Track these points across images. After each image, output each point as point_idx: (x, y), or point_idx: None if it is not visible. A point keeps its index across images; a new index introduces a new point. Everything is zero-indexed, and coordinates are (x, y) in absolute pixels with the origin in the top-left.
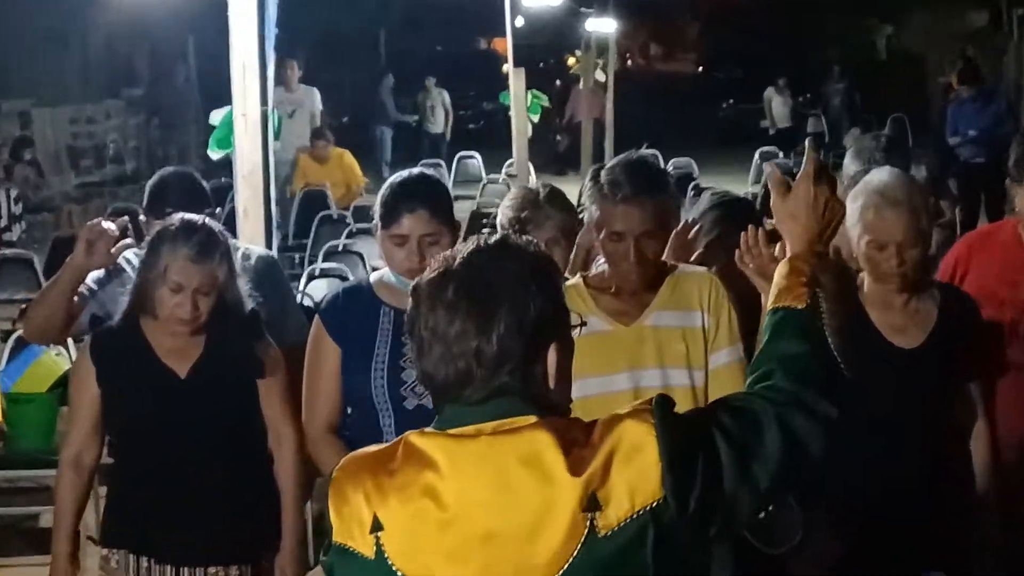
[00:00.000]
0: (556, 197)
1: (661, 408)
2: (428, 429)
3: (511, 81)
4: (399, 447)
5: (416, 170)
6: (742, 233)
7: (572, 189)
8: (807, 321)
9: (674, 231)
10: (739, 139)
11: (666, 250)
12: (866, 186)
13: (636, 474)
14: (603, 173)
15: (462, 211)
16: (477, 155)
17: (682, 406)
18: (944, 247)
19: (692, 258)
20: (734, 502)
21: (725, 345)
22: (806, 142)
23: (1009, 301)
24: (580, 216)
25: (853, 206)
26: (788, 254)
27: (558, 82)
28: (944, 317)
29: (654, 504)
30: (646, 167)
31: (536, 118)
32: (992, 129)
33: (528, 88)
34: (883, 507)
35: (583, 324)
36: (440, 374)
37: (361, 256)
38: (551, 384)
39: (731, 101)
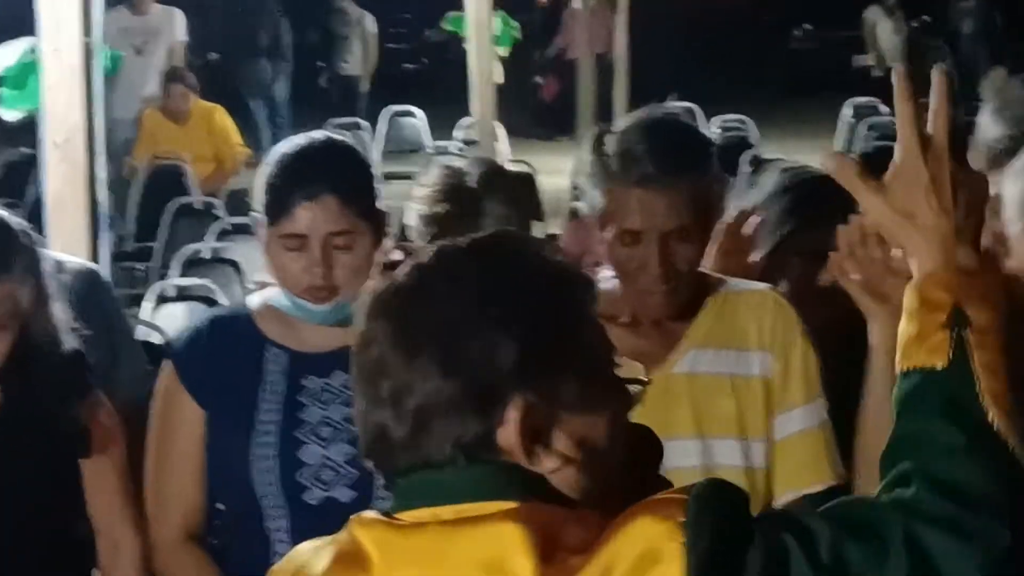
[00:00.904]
0: (496, 182)
1: (701, 501)
2: (373, 514)
3: None
4: (339, 540)
5: (319, 134)
6: (839, 228)
7: (563, 162)
8: (955, 390)
9: (719, 227)
10: (821, 85)
11: (707, 256)
12: None
13: None
14: (610, 140)
15: (397, 197)
16: (418, 111)
17: None
18: None
19: (748, 269)
20: None
21: (799, 403)
22: (932, 70)
23: None
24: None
25: (1015, 189)
26: (914, 275)
27: None
28: None
29: None
30: (677, 131)
31: (506, 52)
32: None
33: (495, 7)
34: None
35: (646, 382)
36: (390, 429)
37: (237, 266)
38: (517, 460)
39: (808, 26)
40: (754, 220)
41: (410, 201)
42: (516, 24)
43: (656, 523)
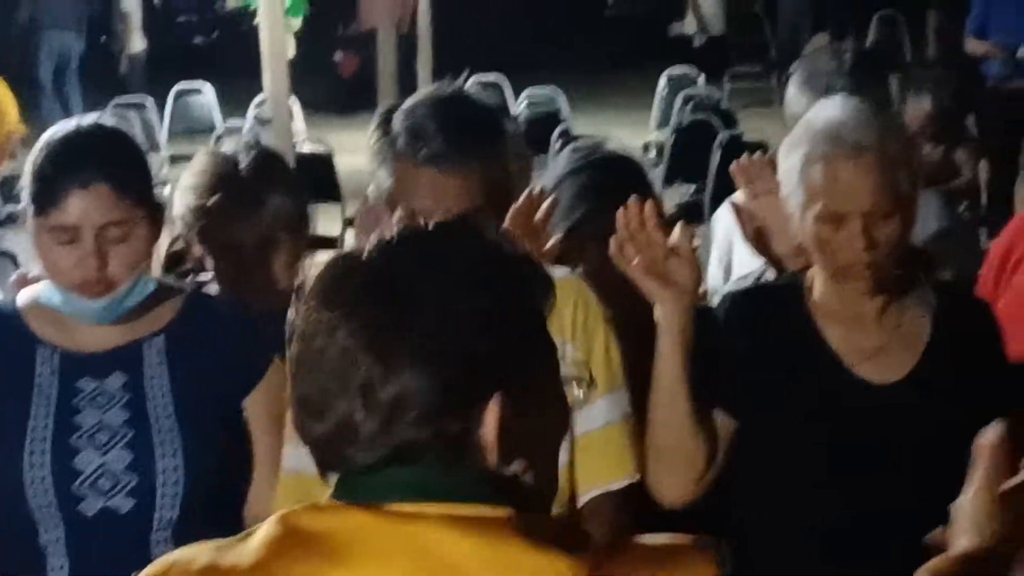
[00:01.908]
0: (270, 167)
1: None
2: (333, 501)
3: None
4: (269, 533)
5: (88, 119)
6: (734, 163)
7: (364, 140)
8: None
9: (512, 208)
10: (638, 55)
11: None
12: (808, 128)
13: None
14: (399, 117)
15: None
16: (207, 87)
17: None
18: (962, 229)
19: (543, 254)
20: None
21: (602, 392)
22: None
23: None
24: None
25: (789, 162)
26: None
27: None
28: (941, 334)
29: None
30: (467, 107)
31: (298, 23)
32: None
33: None
34: None
35: (589, 383)
36: (314, 422)
37: (14, 259)
38: (489, 459)
39: None
40: (546, 204)
41: (179, 189)
42: None
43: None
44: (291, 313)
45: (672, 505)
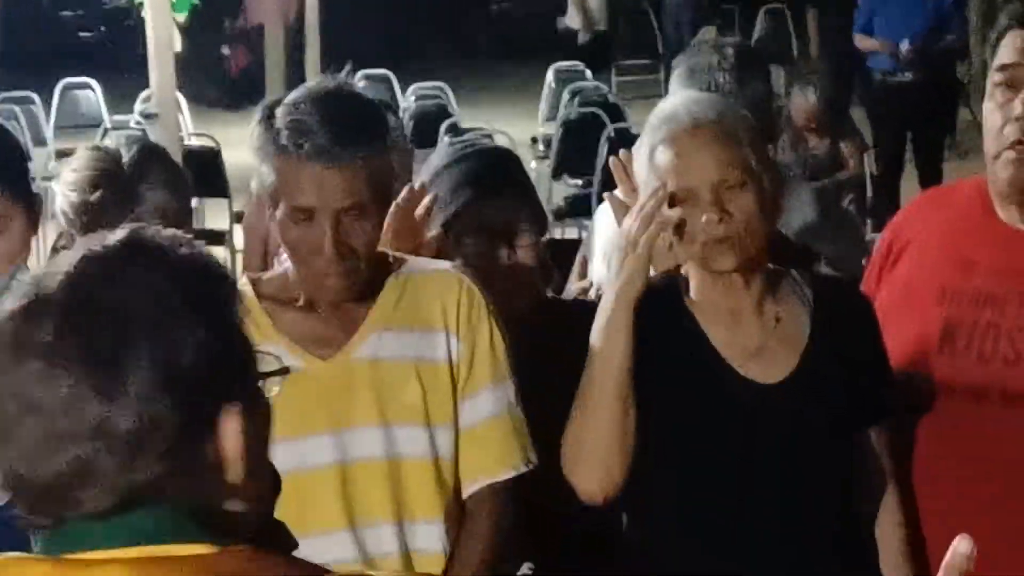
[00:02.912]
0: (152, 163)
1: None
2: (21, 554)
3: None
4: None
5: None
6: (612, 158)
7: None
8: None
9: (393, 205)
10: (526, 49)
11: (383, 235)
12: (650, 122)
13: None
14: (282, 112)
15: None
16: (93, 83)
17: (418, 486)
18: (844, 221)
19: (423, 249)
20: None
21: (486, 384)
22: None
23: (955, 292)
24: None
25: (640, 160)
26: None
27: None
28: (820, 330)
29: None
30: (351, 102)
31: (182, 18)
32: (928, 32)
33: None
34: None
35: (283, 372)
36: (40, 469)
37: None
38: (232, 476)
39: None
40: (426, 199)
41: (61, 184)
42: None
43: None
44: None
45: (592, 499)
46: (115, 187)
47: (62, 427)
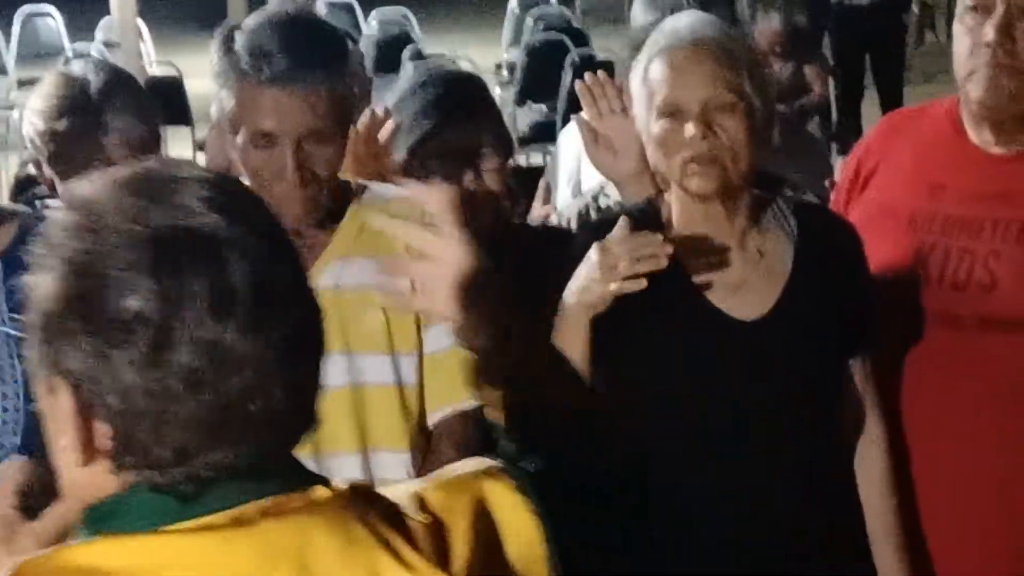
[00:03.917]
0: (120, 89)
1: (516, 471)
2: (82, 540)
3: None
4: None
5: None
6: (578, 82)
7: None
8: None
9: (353, 130)
10: None
11: (345, 160)
12: (652, 37)
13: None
14: (240, 36)
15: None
16: (53, 11)
17: (382, 414)
18: (808, 145)
19: (386, 174)
20: None
21: None
22: None
23: (925, 218)
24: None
25: (636, 73)
26: None
27: None
28: (805, 261)
29: None
30: (311, 27)
31: None
32: None
33: None
34: (722, 563)
35: None
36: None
37: None
38: None
39: None
40: (389, 124)
41: (28, 111)
42: None
43: (501, 487)
44: None
45: None
46: (82, 114)
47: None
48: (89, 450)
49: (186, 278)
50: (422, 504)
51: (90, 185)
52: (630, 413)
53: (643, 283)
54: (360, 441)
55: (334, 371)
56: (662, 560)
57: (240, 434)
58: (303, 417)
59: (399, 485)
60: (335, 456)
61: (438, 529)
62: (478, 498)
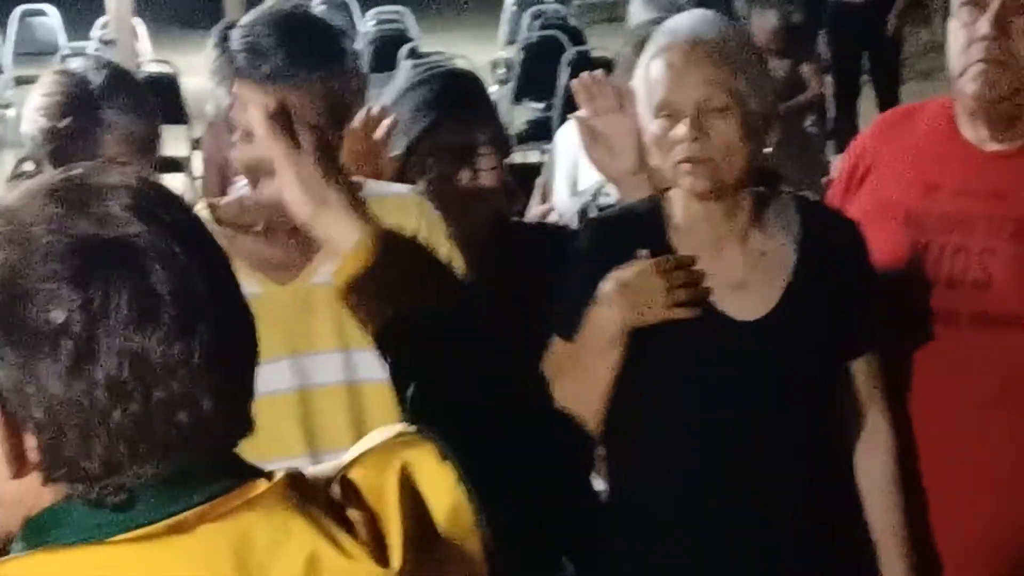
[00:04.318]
0: (121, 88)
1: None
2: (20, 554)
3: None
4: None
5: None
6: (575, 80)
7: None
8: None
9: (350, 127)
10: None
11: (343, 157)
12: (662, 28)
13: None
14: (237, 33)
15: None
16: (51, 9)
17: (378, 410)
18: (804, 142)
19: (383, 172)
20: None
21: None
22: None
23: (920, 215)
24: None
25: (639, 71)
26: None
27: None
28: (807, 260)
29: None
30: (307, 24)
31: None
32: None
33: None
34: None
35: None
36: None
37: None
38: None
39: None
40: (386, 122)
41: (29, 109)
42: None
43: (422, 456)
44: None
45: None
46: (83, 112)
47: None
48: (20, 463)
49: (109, 288)
50: (351, 486)
51: (14, 193)
52: (630, 413)
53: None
54: (357, 438)
55: (331, 367)
56: (657, 562)
57: (169, 444)
58: (236, 423)
59: (326, 465)
60: (333, 453)
61: (371, 516)
62: (403, 474)
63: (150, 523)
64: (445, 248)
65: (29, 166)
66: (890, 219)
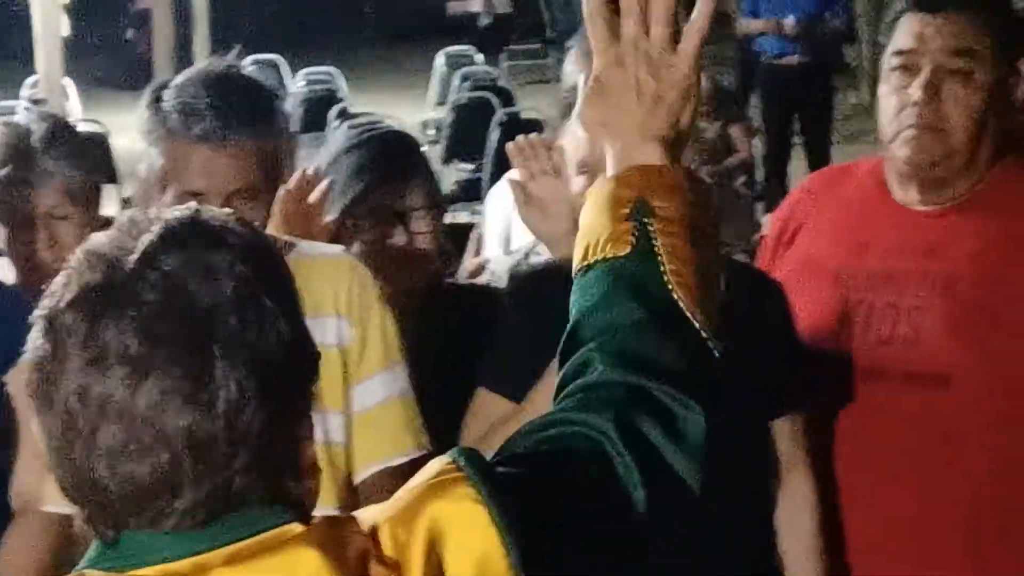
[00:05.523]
0: (61, 139)
1: (479, 470)
2: (85, 570)
3: None
4: None
5: None
6: (509, 144)
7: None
8: (638, 273)
9: (280, 192)
10: (415, 34)
11: (272, 219)
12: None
13: None
14: (168, 94)
15: None
16: None
17: (345, 474)
18: (734, 203)
19: (316, 233)
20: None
21: (378, 368)
22: None
23: (851, 274)
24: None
25: (568, 131)
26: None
27: None
28: (731, 322)
29: None
30: (239, 85)
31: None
32: (814, 14)
33: None
34: None
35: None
36: (113, 477)
37: None
38: (304, 472)
39: None
40: (322, 185)
41: None
42: None
43: (453, 506)
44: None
45: None
46: (23, 162)
47: (148, 434)
48: None
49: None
50: (379, 540)
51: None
52: None
53: None
54: (337, 496)
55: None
56: None
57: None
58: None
59: (368, 509)
60: (320, 509)
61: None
62: (431, 528)
63: (177, 559)
64: (377, 310)
65: None
66: (820, 277)
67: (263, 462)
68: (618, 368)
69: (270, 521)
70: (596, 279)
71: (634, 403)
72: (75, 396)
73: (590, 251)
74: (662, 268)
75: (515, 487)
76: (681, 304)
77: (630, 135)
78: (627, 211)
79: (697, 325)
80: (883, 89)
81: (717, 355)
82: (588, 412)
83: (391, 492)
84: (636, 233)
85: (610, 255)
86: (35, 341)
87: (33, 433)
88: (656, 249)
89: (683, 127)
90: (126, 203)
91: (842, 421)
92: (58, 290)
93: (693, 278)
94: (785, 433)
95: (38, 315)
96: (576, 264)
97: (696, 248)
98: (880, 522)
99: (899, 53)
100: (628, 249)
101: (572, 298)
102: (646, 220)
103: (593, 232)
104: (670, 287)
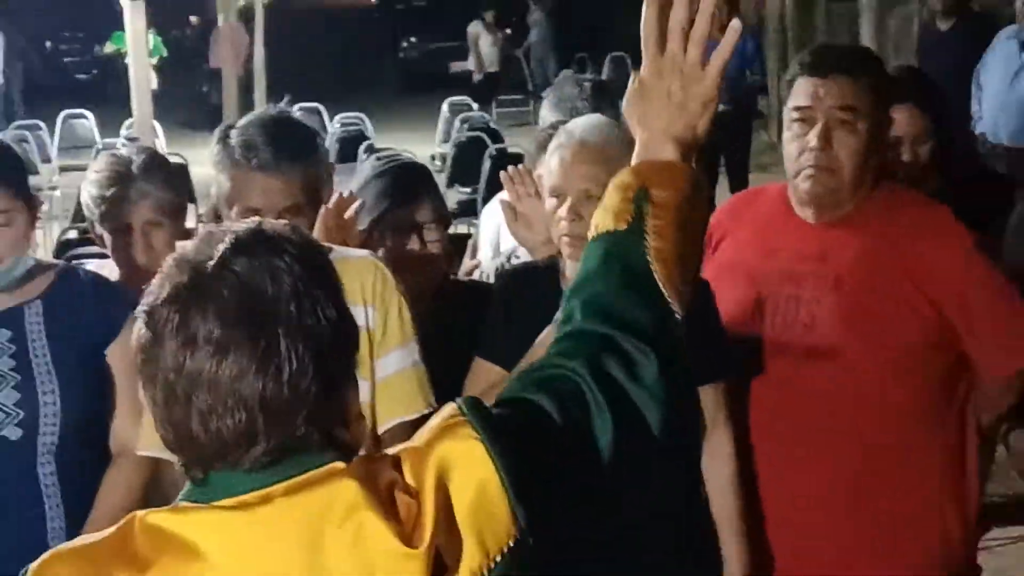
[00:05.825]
0: (155, 167)
1: (479, 415)
2: (181, 503)
3: (127, 17)
4: (131, 534)
5: None
6: (501, 172)
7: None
8: (627, 245)
9: (323, 207)
10: (426, 88)
11: (315, 230)
12: (562, 129)
13: (482, 515)
14: (234, 133)
15: (71, 186)
16: (88, 114)
17: None
18: None
19: (353, 241)
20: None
21: (396, 345)
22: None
23: (763, 273)
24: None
25: (544, 162)
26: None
27: (194, 18)
28: None
29: (510, 544)
30: (289, 126)
31: (154, 61)
32: (735, 71)
33: (150, 26)
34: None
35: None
36: (205, 432)
37: None
38: (351, 426)
39: (413, 39)
40: (355, 204)
41: (85, 183)
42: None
43: (458, 445)
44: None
45: None
46: (126, 184)
47: (230, 399)
48: None
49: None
50: (402, 473)
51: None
52: None
53: None
54: None
55: None
56: None
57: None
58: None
59: (398, 447)
60: None
61: (414, 500)
62: (440, 463)
63: (249, 491)
64: (396, 299)
65: (71, 233)
66: (739, 276)
67: (319, 416)
68: (595, 319)
69: (321, 460)
70: (596, 247)
71: (603, 348)
72: (173, 372)
73: (599, 225)
74: (646, 243)
75: (509, 427)
76: (656, 275)
77: (656, 132)
78: (631, 195)
79: (665, 294)
80: (787, 136)
81: (678, 319)
82: (568, 357)
83: (406, 439)
84: (634, 214)
85: (612, 229)
86: (138, 330)
87: (127, 392)
88: (646, 228)
89: (699, 132)
90: (200, 218)
91: (756, 390)
92: (155, 289)
93: (672, 256)
94: (710, 397)
95: (140, 310)
96: (591, 233)
97: (682, 234)
98: (791, 471)
99: (798, 108)
100: (625, 225)
101: (581, 259)
102: (643, 204)
103: (605, 210)
104: (649, 259)
